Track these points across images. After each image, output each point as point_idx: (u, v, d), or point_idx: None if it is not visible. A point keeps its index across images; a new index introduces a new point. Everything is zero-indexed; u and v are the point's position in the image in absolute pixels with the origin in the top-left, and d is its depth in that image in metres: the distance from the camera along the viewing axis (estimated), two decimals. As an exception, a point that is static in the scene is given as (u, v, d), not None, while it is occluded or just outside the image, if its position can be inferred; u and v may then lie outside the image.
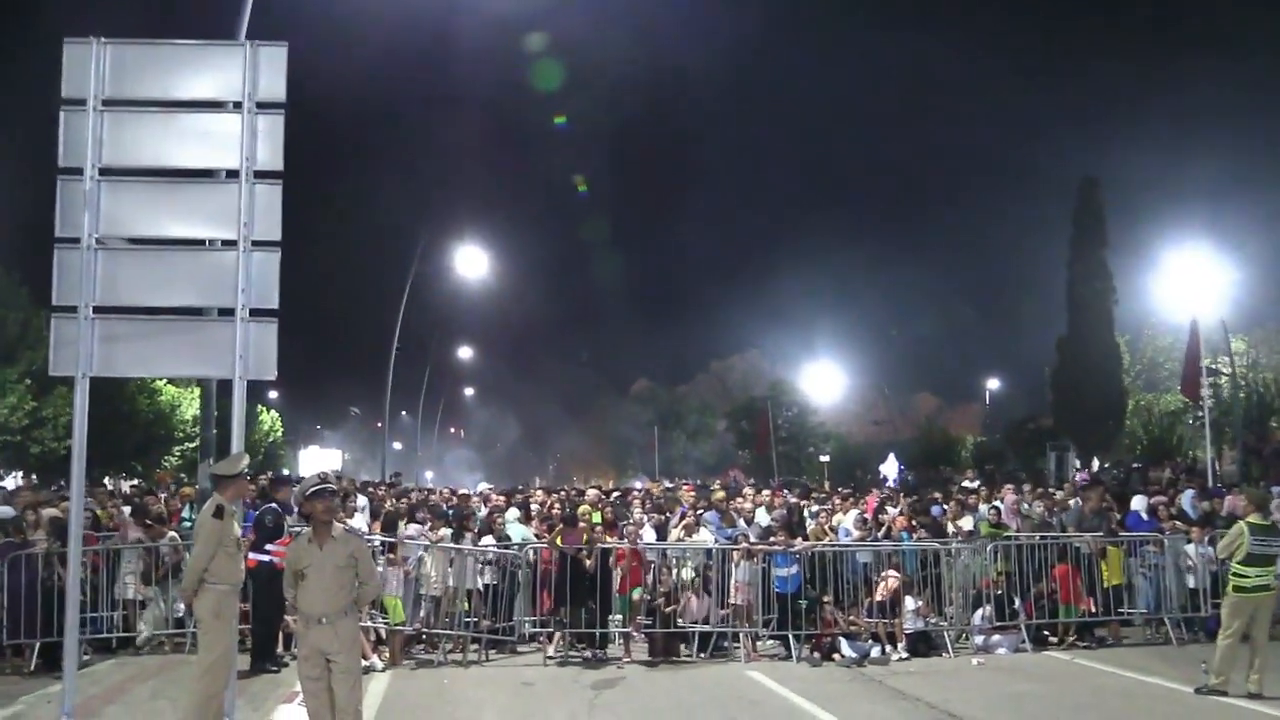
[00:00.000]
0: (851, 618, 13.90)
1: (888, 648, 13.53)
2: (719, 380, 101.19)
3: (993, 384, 78.61)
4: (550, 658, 13.39)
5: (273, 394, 79.82)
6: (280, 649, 12.55)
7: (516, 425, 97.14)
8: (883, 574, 14.13)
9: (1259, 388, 40.28)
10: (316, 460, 63.82)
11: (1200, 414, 40.50)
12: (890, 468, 45.79)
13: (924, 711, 10.50)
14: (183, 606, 12.23)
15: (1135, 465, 32.80)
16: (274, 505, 11.96)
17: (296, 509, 15.27)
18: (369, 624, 13.18)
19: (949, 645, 13.89)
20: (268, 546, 11.69)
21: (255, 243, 8.59)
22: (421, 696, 11.40)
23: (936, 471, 46.99)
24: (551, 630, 13.79)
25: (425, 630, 13.46)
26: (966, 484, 19.23)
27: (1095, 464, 38.46)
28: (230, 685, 8.29)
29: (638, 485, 28.97)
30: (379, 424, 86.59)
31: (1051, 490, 18.18)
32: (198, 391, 54.07)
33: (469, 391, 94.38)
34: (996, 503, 16.75)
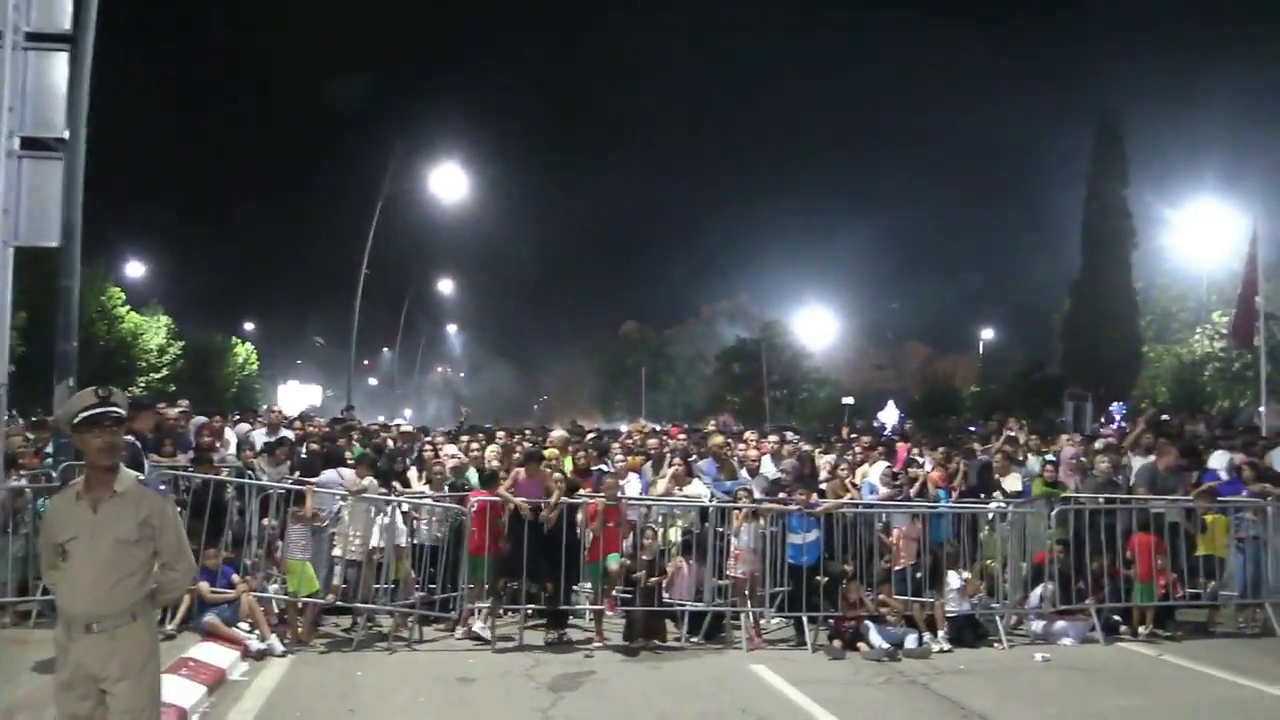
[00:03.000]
0: (881, 597, 11.11)
1: (926, 635, 10.75)
2: (708, 325, 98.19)
3: (987, 333, 75.86)
4: (501, 641, 10.59)
5: (249, 325, 77.16)
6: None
7: (501, 364, 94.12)
8: (895, 532, 11.60)
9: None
10: (296, 396, 61.18)
11: (1218, 363, 37.92)
12: (889, 415, 43.12)
13: (996, 739, 7.72)
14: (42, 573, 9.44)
15: (1164, 418, 29.84)
16: (128, 438, 8.87)
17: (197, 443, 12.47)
18: (267, 595, 10.38)
19: (1001, 633, 11.13)
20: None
21: (32, 37, 5.62)
22: (317, 695, 8.54)
23: (938, 420, 44.34)
24: (499, 607, 10.98)
25: (342, 603, 10.65)
26: (1012, 433, 16.38)
27: (1116, 416, 35.69)
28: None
29: (623, 428, 25.96)
30: (365, 361, 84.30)
31: (1116, 443, 15.37)
32: (163, 320, 51.85)
33: (452, 329, 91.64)
34: (1050, 456, 13.91)
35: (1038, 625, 11.35)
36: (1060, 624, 11.22)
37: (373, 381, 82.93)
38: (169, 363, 50.09)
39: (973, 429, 28.04)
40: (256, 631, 9.87)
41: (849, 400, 53.39)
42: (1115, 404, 32.63)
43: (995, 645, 10.96)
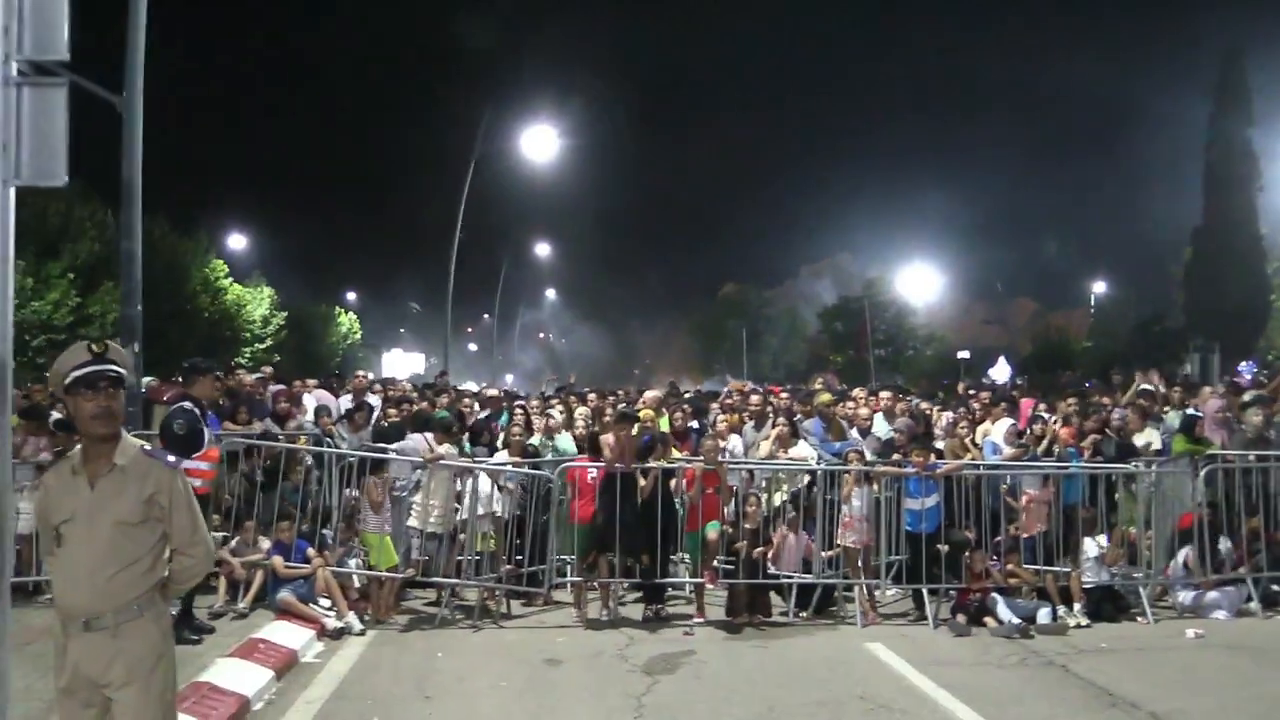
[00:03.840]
0: (1009, 567, 10.11)
1: (1060, 609, 9.73)
2: (808, 284, 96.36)
3: (1098, 286, 72.74)
4: (591, 620, 9.86)
5: (350, 295, 77.74)
6: (227, 599, 9.29)
7: (600, 329, 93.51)
8: (1024, 496, 10.59)
9: None
10: (399, 364, 61.46)
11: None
12: (1000, 372, 41.51)
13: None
14: None
15: (1301, 367, 27.87)
16: (186, 405, 8.21)
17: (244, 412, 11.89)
18: (346, 570, 9.75)
19: (1145, 605, 10.02)
20: (183, 463, 8.11)
21: (27, -52, 4.90)
22: (393, 679, 7.88)
23: (1053, 376, 42.57)
24: (592, 580, 10.21)
25: (422, 579, 9.99)
26: (1147, 386, 15.05)
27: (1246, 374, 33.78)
28: None
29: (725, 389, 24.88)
30: (470, 329, 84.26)
31: (1265, 395, 13.95)
32: (266, 291, 52.34)
33: (551, 294, 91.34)
34: (1194, 409, 12.61)
35: (1186, 597, 10.22)
36: (1212, 595, 10.09)
37: (473, 347, 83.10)
38: (273, 333, 50.55)
39: (1089, 384, 26.43)
40: (334, 609, 9.27)
41: (964, 354, 51.35)
42: (1244, 363, 30.70)
43: (1139, 619, 9.88)
